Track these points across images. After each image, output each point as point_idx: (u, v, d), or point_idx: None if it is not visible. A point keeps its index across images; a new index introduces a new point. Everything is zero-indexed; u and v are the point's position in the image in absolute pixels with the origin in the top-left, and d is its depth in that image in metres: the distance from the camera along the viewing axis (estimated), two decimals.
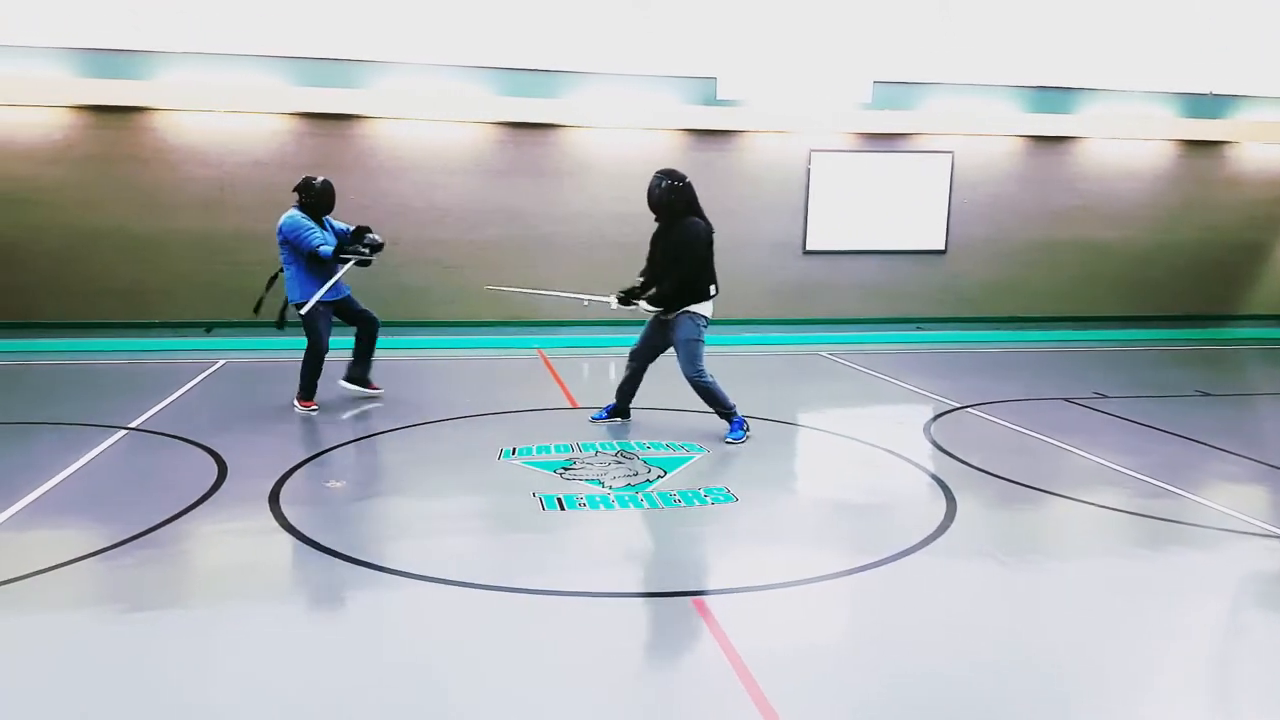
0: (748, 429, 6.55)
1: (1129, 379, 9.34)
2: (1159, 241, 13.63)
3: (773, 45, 11.81)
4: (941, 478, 5.73)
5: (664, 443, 6.39)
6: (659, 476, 5.60)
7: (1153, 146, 13.34)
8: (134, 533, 4.51)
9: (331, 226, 7.22)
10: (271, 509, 4.94)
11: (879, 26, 11.99)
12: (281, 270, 7.15)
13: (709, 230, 6.45)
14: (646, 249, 6.68)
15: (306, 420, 6.95)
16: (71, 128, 10.65)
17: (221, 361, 8.95)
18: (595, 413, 7.10)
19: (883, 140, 12.56)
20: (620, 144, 11.75)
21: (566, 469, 5.73)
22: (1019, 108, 12.79)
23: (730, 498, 5.24)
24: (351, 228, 7.23)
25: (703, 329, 6.51)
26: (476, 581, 4.04)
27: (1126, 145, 13.24)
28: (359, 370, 7.56)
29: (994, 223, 13.09)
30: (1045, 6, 12.40)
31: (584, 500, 5.16)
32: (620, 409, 6.98)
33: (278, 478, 5.45)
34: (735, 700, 3.11)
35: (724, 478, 5.62)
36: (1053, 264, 13.40)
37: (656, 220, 6.56)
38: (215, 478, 5.46)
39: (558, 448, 6.20)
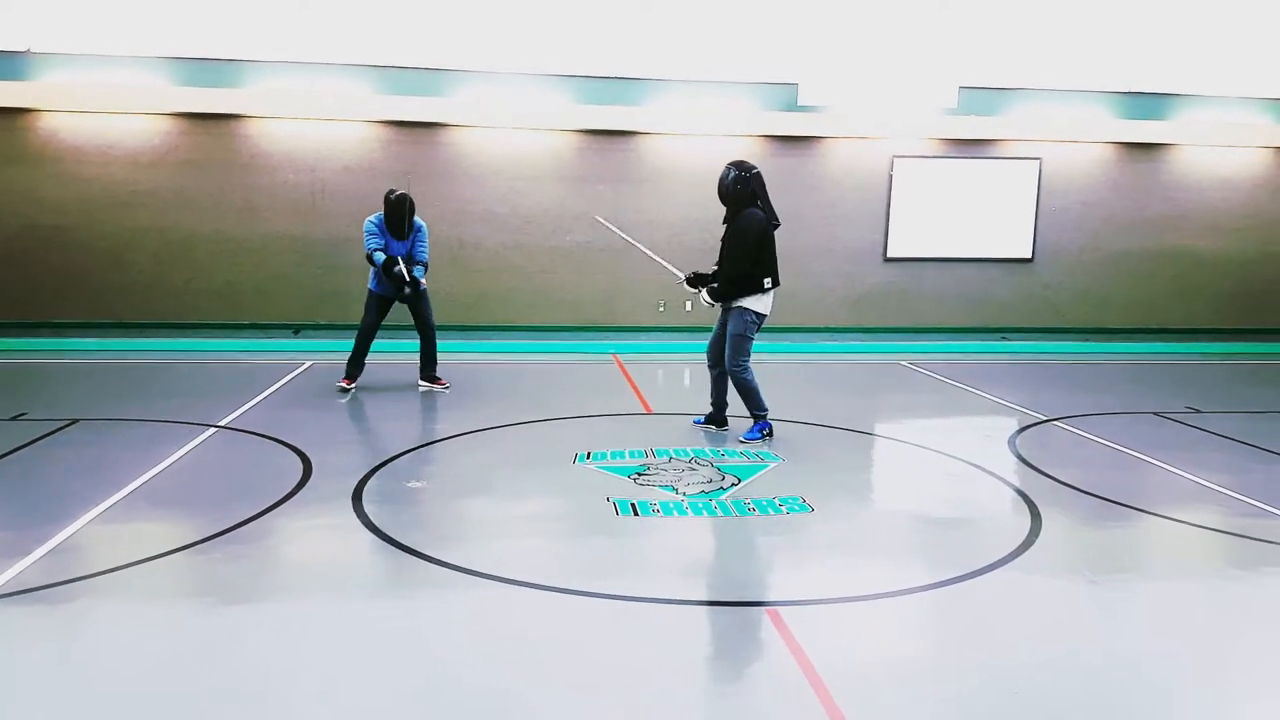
0: (768, 435, 6.58)
1: (1225, 394, 8.98)
2: (1257, 252, 13.08)
3: (856, 50, 11.67)
4: (1026, 492, 5.58)
5: (739, 450, 6.35)
6: (733, 484, 5.57)
7: (1251, 154, 12.80)
8: (222, 528, 4.65)
9: (418, 231, 7.96)
10: (354, 507, 5.05)
11: (965, 31, 11.76)
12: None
13: (766, 221, 6.40)
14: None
15: (389, 421, 7.09)
16: (169, 134, 11.09)
17: (309, 363, 9.19)
18: (696, 417, 7.12)
19: (968, 146, 12.31)
20: (700, 151, 11.74)
21: (640, 474, 5.74)
22: (1110, 114, 12.41)
23: (806, 507, 5.18)
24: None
25: (752, 325, 6.50)
26: (549, 584, 4.06)
27: (1223, 153, 12.73)
28: (424, 370, 8.20)
29: (1083, 231, 12.73)
30: (1137, 9, 12.01)
31: (657, 506, 5.15)
32: (715, 418, 6.95)
33: (360, 477, 5.58)
34: (809, 714, 3.07)
35: (800, 487, 5.55)
36: (1145, 274, 12.96)
37: (726, 209, 6.57)
38: (300, 476, 5.60)
39: (632, 453, 6.21)
